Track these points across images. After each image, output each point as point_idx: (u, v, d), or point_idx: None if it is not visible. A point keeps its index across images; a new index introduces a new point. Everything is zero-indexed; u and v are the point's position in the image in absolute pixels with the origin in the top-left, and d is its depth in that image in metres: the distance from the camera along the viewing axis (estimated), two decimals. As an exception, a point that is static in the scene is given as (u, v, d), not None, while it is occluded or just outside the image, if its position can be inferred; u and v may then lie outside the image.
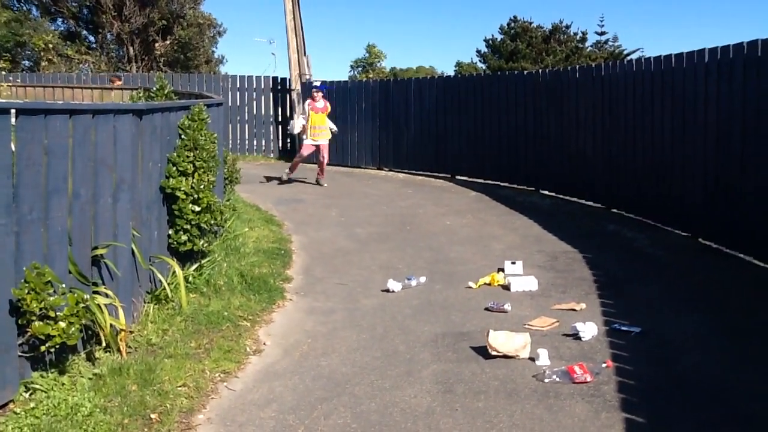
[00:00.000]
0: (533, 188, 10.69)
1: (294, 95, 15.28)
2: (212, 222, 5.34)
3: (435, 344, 4.40)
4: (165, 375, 3.68)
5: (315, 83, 12.47)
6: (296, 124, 11.73)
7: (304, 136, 11.49)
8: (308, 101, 11.64)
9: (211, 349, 4.17)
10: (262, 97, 15.68)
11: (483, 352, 4.17)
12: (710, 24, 75.45)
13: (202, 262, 5.40)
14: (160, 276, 4.65)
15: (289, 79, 15.45)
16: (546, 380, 3.78)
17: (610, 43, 33.10)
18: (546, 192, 10.38)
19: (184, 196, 5.06)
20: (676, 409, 3.45)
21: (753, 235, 6.18)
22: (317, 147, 11.36)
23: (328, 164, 11.48)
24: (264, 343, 4.44)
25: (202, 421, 3.37)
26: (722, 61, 6.63)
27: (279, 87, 15.70)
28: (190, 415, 3.41)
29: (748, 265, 6.16)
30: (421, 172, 12.88)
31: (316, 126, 11.35)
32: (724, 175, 6.62)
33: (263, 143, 15.76)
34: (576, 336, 4.41)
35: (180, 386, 3.62)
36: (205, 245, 5.34)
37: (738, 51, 6.41)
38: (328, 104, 11.64)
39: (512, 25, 32.72)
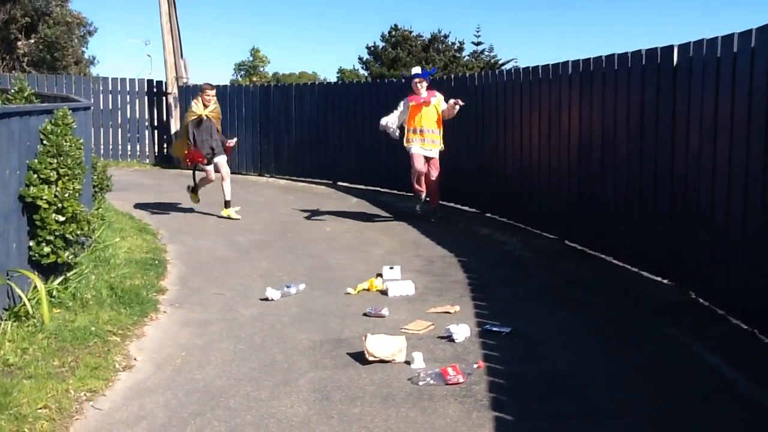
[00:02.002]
0: (413, 194, 10.90)
1: (170, 99, 14.84)
2: (78, 232, 5.08)
3: (313, 352, 4.40)
4: (23, 397, 3.45)
5: (414, 70, 9.27)
6: (390, 120, 8.80)
7: (405, 143, 8.64)
8: (403, 100, 8.79)
9: (77, 367, 3.96)
10: (137, 101, 15.09)
11: (360, 357, 4.21)
12: (584, 34, 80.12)
13: (68, 274, 5.12)
14: (19, 291, 4.36)
15: (166, 83, 14.98)
16: (420, 383, 3.87)
17: (486, 53, 34.45)
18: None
19: (46, 206, 4.78)
20: (541, 405, 3.63)
21: (612, 236, 6.62)
22: (427, 160, 8.48)
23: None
24: (135, 359, 4.26)
25: (65, 444, 3.20)
26: (583, 73, 7.07)
27: (155, 90, 15.18)
28: (52, 438, 3.22)
29: (609, 265, 6.59)
30: (302, 179, 12.84)
31: (420, 128, 8.50)
32: (585, 181, 7.05)
33: (138, 149, 15.18)
34: (450, 338, 4.54)
35: (40, 408, 3.40)
36: (70, 257, 5.06)
37: (597, 64, 6.85)
38: (438, 95, 8.67)
39: (393, 33, 33.37)
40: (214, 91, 8.97)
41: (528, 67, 8.28)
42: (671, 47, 5.71)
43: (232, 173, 13.88)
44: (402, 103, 8.78)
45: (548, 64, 7.82)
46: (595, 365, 4.20)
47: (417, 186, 8.54)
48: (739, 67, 4.79)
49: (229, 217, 8.83)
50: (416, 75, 8.92)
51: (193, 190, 9.29)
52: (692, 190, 5.40)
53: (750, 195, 4.68)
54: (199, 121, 8.74)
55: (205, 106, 8.79)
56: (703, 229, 5.27)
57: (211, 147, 8.79)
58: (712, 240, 5.15)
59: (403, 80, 9.01)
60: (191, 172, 9.50)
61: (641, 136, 6.11)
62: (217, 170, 8.89)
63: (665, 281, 5.90)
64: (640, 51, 6.16)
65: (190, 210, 9.53)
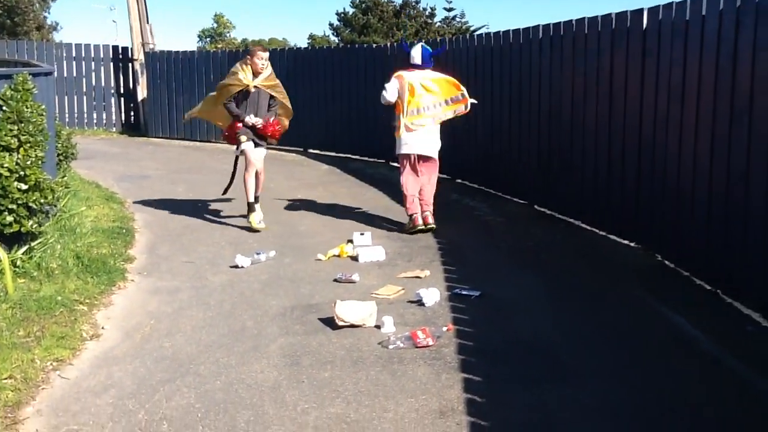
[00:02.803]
0: (383, 161, 10.88)
1: (137, 65, 14.52)
2: (42, 201, 4.97)
3: (283, 318, 4.40)
4: (-13, 368, 3.40)
5: (413, 59, 6.68)
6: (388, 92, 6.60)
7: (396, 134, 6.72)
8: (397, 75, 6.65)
9: (43, 336, 3.91)
10: (102, 68, 14.72)
11: (330, 323, 4.22)
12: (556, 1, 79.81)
13: (32, 244, 5.02)
14: (-19, 261, 4.28)
15: (132, 48, 14.63)
16: (390, 346, 3.89)
17: (458, 20, 34.16)
18: (395, 164, 10.58)
19: (8, 174, 4.67)
20: (509, 367, 3.68)
21: (580, 201, 6.67)
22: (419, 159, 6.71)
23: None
24: (102, 327, 4.22)
25: (31, 414, 3.16)
26: (554, 38, 7.05)
27: (120, 56, 14.82)
28: (17, 408, 3.18)
29: (578, 229, 6.66)
30: (273, 146, 12.68)
31: (418, 109, 6.55)
32: (555, 147, 7.07)
33: (104, 116, 14.85)
34: (420, 302, 4.57)
35: (5, 379, 3.36)
36: (34, 226, 4.96)
37: (567, 28, 6.83)
38: (443, 75, 6.79)
39: (364, -2, 32.88)
40: (267, 54, 6.74)
41: (498, 32, 8.23)
42: (641, 10, 5.70)
43: (200, 141, 13.80)
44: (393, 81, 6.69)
45: (519, 29, 7.77)
46: (563, 327, 4.26)
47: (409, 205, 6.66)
48: (708, 29, 4.80)
49: (251, 228, 6.60)
50: (414, 64, 6.64)
51: (248, 208, 6.73)
52: (660, 154, 5.45)
53: (716, 159, 4.73)
54: (246, 93, 6.63)
55: (255, 74, 6.64)
56: (669, 192, 5.33)
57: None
58: (678, 203, 5.21)
59: (404, 45, 7.20)
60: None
61: (610, 100, 6.13)
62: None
63: (632, 244, 5.98)
64: (610, 15, 6.15)
65: (159, 178, 9.39)
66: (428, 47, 6.86)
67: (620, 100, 5.99)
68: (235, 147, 6.85)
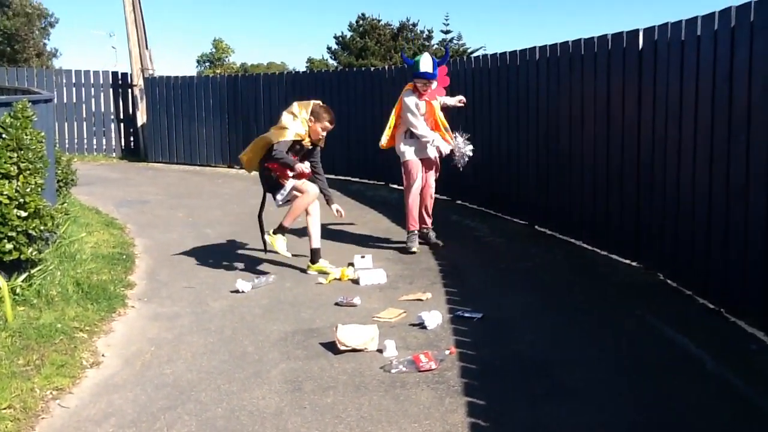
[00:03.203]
0: (383, 183, 10.89)
1: (137, 91, 14.60)
2: (42, 228, 4.96)
3: (284, 343, 4.37)
4: (-13, 397, 3.38)
5: (423, 65, 6.45)
6: (437, 138, 6.62)
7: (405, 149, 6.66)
8: (410, 97, 6.50)
9: (42, 365, 3.88)
10: (102, 93, 14.82)
11: (332, 347, 4.19)
12: (553, 22, 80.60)
13: (32, 271, 5.01)
14: (-20, 289, 4.26)
15: (131, 74, 14.73)
16: (393, 371, 3.87)
17: (455, 42, 34.45)
18: (395, 186, 10.62)
19: (7, 201, 4.66)
20: (512, 389, 3.65)
21: (581, 221, 6.67)
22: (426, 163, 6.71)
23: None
24: (102, 355, 4.20)
25: (31, 444, 3.14)
26: (550, 59, 7.09)
27: (120, 82, 14.92)
28: (17, 438, 3.15)
29: (578, 249, 6.65)
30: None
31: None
32: (554, 166, 7.08)
33: (104, 142, 14.92)
34: (422, 325, 4.54)
35: (4, 408, 3.33)
36: (34, 253, 4.95)
37: (564, 49, 6.87)
38: (444, 93, 6.96)
39: (361, 22, 33.21)
40: (332, 127, 6.11)
41: (496, 54, 8.29)
42: (637, 31, 5.74)
43: (200, 165, 13.82)
44: (413, 106, 6.52)
45: (516, 50, 7.83)
46: (565, 347, 4.24)
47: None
48: (703, 50, 4.83)
49: (321, 271, 5.95)
50: (424, 74, 6.40)
51: (279, 230, 6.04)
52: (659, 173, 5.46)
53: (715, 177, 4.73)
54: (299, 146, 6.02)
55: (314, 142, 6.13)
56: (669, 211, 5.33)
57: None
58: (679, 222, 5.21)
59: (406, 65, 7.02)
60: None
61: (608, 121, 6.16)
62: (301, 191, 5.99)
63: (634, 264, 5.96)
64: (606, 36, 6.20)
65: (159, 203, 9.39)
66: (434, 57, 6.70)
67: (618, 120, 6.02)
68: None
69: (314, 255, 6.01)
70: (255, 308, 5.07)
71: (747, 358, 4.01)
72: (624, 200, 5.98)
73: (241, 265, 6.25)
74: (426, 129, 6.58)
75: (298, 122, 5.93)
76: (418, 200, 6.74)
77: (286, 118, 5.97)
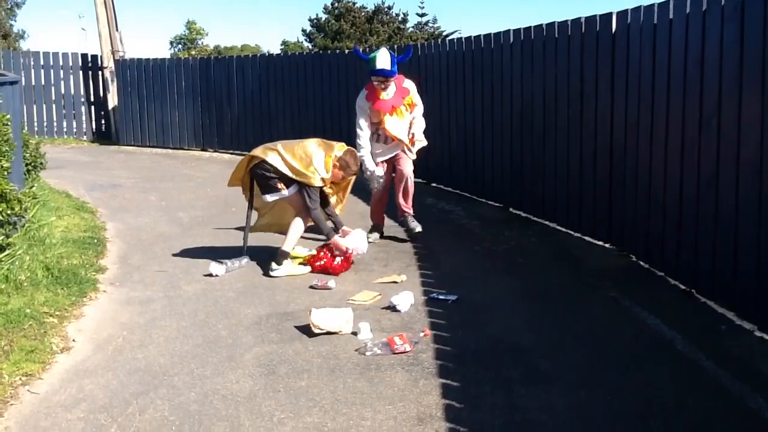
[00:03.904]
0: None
1: (107, 73, 14.35)
2: (9, 212, 4.87)
3: (258, 326, 4.35)
4: (-47, 384, 3.31)
5: (379, 61, 5.90)
6: (365, 157, 6.16)
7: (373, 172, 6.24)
8: (360, 99, 6.12)
9: (11, 351, 3.82)
10: (71, 76, 14.53)
11: (307, 330, 4.18)
12: (529, 5, 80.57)
13: (0, 256, 4.92)
14: (-54, 275, 4.17)
15: (101, 56, 14.46)
16: (368, 353, 3.87)
17: (431, 25, 34.27)
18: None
19: (-28, 185, 4.57)
20: (486, 371, 3.67)
21: (554, 203, 6.71)
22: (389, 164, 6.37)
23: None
24: (73, 340, 4.13)
25: (-1, 431, 3.09)
26: (524, 42, 7.09)
27: (90, 64, 14.62)
28: (-15, 425, 3.10)
29: (552, 231, 6.69)
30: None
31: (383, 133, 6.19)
32: (528, 149, 7.11)
33: (74, 125, 14.66)
34: (396, 308, 4.54)
35: (-28, 395, 3.28)
36: (2, 238, 4.87)
37: (538, 32, 6.87)
38: (410, 90, 6.21)
39: (336, 5, 32.87)
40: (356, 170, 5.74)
41: (470, 37, 8.26)
42: (610, 14, 5.76)
43: (173, 148, 13.63)
44: (360, 110, 6.13)
45: (490, 33, 7.81)
46: (539, 330, 4.27)
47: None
48: (675, 33, 4.86)
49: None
50: (381, 71, 5.86)
51: (281, 257, 5.53)
52: (631, 156, 5.50)
53: (686, 160, 4.78)
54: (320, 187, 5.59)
55: (335, 181, 5.79)
56: (641, 193, 5.38)
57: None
58: (650, 203, 5.26)
59: (357, 51, 6.84)
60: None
61: (581, 104, 6.18)
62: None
63: (607, 246, 6.02)
64: (579, 19, 6.20)
65: (131, 187, 9.27)
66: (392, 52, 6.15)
67: (591, 103, 6.04)
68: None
69: (280, 257, 5.48)
70: (229, 292, 5.04)
71: (718, 339, 4.08)
72: (597, 184, 6.03)
73: (214, 249, 6.19)
74: (366, 143, 6.10)
75: (322, 162, 5.46)
76: (379, 197, 6.44)
77: (313, 149, 5.51)
